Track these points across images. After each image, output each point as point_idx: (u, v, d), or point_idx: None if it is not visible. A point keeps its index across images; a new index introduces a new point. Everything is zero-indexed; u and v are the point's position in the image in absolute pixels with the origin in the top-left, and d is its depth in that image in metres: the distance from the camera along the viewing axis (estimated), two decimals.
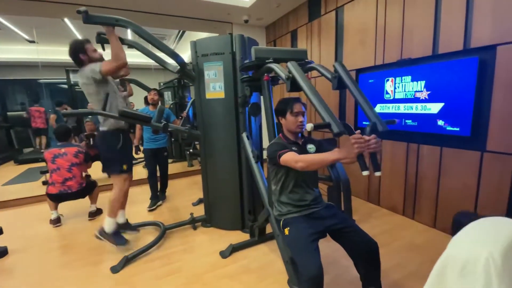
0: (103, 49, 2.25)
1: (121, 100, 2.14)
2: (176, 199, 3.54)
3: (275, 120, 1.70)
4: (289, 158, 1.31)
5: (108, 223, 2.17)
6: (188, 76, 2.34)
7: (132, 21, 1.95)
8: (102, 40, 2.17)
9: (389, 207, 2.89)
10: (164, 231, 2.45)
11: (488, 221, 0.58)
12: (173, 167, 5.29)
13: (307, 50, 1.67)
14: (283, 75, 1.33)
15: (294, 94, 2.36)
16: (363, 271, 1.42)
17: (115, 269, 2.01)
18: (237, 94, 2.29)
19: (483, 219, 0.57)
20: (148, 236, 2.49)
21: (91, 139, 4.19)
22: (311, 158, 1.24)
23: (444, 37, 2.22)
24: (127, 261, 2.07)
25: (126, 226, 2.44)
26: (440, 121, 2.27)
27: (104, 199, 3.59)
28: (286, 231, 1.40)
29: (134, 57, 5.36)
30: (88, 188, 2.97)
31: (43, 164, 2.91)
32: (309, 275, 1.15)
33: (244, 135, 2.29)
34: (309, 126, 1.15)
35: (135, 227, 2.51)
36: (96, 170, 4.28)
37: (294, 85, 1.28)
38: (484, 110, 2.03)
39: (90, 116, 4.59)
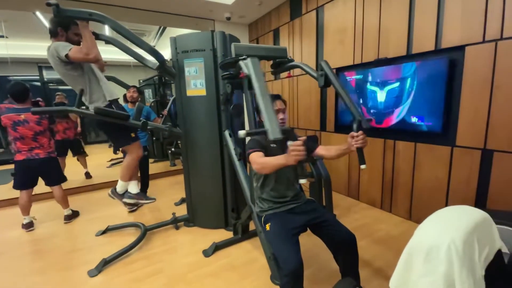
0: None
1: (110, 89, 2.08)
2: (158, 199, 3.43)
3: (257, 118, 1.71)
4: (252, 158, 1.35)
5: (120, 185, 2.22)
6: (168, 73, 2.29)
7: (107, 16, 1.87)
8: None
9: (368, 201, 2.99)
10: (144, 232, 2.40)
11: (451, 210, 0.62)
12: (155, 167, 5.17)
13: (287, 48, 1.69)
14: (246, 71, 1.33)
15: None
16: (342, 263, 1.46)
17: (92, 273, 1.94)
18: (219, 91, 2.28)
19: (447, 208, 0.61)
20: (128, 237, 2.42)
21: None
22: (265, 161, 1.28)
23: (417, 38, 2.32)
24: (105, 263, 2.00)
25: (141, 196, 2.37)
26: (414, 118, 2.37)
27: (79, 201, 3.46)
28: (267, 226, 1.41)
29: (111, 53, 5.17)
30: (57, 177, 2.80)
31: (12, 166, 2.75)
32: (289, 269, 1.17)
33: (226, 132, 2.28)
34: (241, 133, 1.13)
35: (151, 198, 2.43)
36: (72, 170, 4.11)
37: (251, 83, 1.29)
38: (454, 108, 2.15)
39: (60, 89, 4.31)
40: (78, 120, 4.15)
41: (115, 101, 2.12)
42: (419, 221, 2.48)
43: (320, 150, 1.55)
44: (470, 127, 2.06)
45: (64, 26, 1.95)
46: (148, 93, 5.59)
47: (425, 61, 2.26)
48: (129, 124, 2.02)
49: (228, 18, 4.44)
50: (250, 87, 1.36)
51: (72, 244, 2.42)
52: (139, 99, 3.24)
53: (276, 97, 1.49)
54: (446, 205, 2.26)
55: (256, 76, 1.27)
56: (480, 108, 1.99)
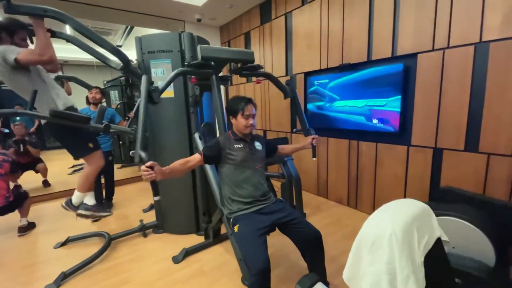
0: (31, 41, 2.00)
1: (64, 95, 1.94)
2: (124, 206, 3.30)
3: (226, 119, 1.71)
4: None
5: (76, 196, 2.05)
6: (133, 74, 2.20)
7: (64, 13, 1.76)
8: (29, 32, 1.93)
9: (336, 199, 3.12)
10: (109, 241, 2.27)
11: (394, 203, 0.68)
12: (122, 172, 4.94)
13: (253, 52, 1.72)
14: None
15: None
16: (309, 259, 1.51)
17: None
18: (188, 93, 2.24)
19: (392, 202, 0.67)
20: (91, 248, 2.27)
21: (21, 145, 3.64)
22: (173, 165, 1.48)
23: (376, 45, 2.49)
24: (64, 277, 1.87)
25: (98, 208, 2.18)
26: (375, 120, 2.54)
27: (35, 212, 3.18)
28: (236, 228, 1.41)
29: (72, 52, 4.85)
30: (17, 201, 2.58)
31: None
32: (256, 268, 1.18)
33: (196, 135, 2.25)
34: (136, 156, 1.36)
35: (108, 210, 2.25)
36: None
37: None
38: (409, 110, 2.33)
39: (18, 118, 4.00)
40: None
41: (71, 108, 1.98)
42: None
43: (279, 150, 1.80)
44: (423, 128, 2.25)
45: (9, 31, 1.77)
46: (114, 94, 5.32)
47: (383, 66, 2.43)
48: (90, 127, 1.91)
49: (199, 20, 4.40)
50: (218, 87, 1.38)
51: (28, 258, 2.22)
52: (102, 100, 3.07)
53: (247, 101, 1.51)
54: None
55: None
56: (431, 110, 2.18)
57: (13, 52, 1.66)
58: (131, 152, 1.45)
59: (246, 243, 1.30)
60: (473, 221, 1.25)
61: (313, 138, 1.89)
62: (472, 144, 2.00)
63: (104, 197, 3.15)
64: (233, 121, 1.55)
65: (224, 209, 1.58)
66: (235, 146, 1.52)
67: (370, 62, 2.57)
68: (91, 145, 2.04)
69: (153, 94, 1.45)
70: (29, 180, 4.32)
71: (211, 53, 1.48)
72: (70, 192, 3.73)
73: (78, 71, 6.89)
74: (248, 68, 1.74)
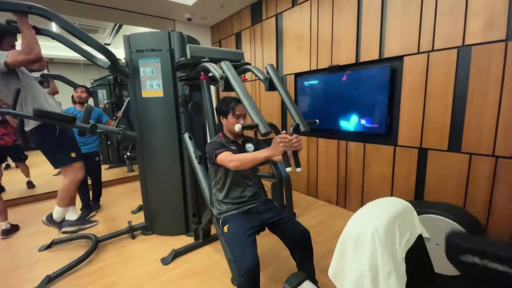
0: (15, 39, 1.94)
1: (46, 96, 1.88)
2: (112, 208, 3.24)
3: (216, 120, 1.71)
4: (224, 157, 1.34)
5: (56, 212, 1.98)
6: (121, 73, 2.17)
7: (49, 10, 1.72)
8: (13, 29, 1.87)
9: (325, 199, 3.16)
10: (96, 244, 2.22)
11: (378, 202, 0.70)
12: (110, 173, 4.84)
13: (243, 52, 1.72)
14: (217, 74, 1.34)
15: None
16: (298, 258, 1.53)
17: None
18: (178, 93, 2.22)
19: (376, 200, 0.68)
20: (77, 251, 2.21)
21: None
22: (244, 157, 1.28)
23: (364, 48, 2.54)
24: (50, 280, 1.82)
25: (82, 221, 2.12)
26: (363, 120, 2.58)
27: (19, 214, 3.08)
28: (225, 228, 1.41)
29: (58, 50, 4.72)
30: None
31: None
32: (245, 268, 1.19)
33: (186, 135, 2.23)
34: (237, 127, 1.22)
35: (93, 221, 2.18)
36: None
37: (228, 85, 1.31)
38: (395, 111, 2.39)
39: None
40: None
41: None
42: None
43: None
44: (409, 129, 2.31)
45: None
46: (102, 93, 5.21)
47: (371, 68, 2.48)
48: (76, 127, 1.87)
49: (189, 19, 4.37)
50: (227, 89, 1.36)
51: (12, 261, 2.15)
52: (88, 100, 3.00)
53: (238, 101, 1.51)
54: None
55: (234, 77, 1.29)
56: (416, 111, 2.24)
57: (1, 57, 1.62)
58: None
59: (236, 243, 1.30)
60: (455, 218, 1.30)
61: (280, 141, 1.47)
62: (455, 144, 2.07)
63: (91, 199, 3.08)
64: (223, 121, 1.54)
65: (214, 210, 1.58)
66: (231, 148, 1.51)
67: (358, 64, 2.62)
68: (73, 154, 1.98)
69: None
70: (13, 181, 4.19)
71: (201, 52, 1.47)
72: (55, 194, 3.65)
73: (65, 69, 6.71)
74: (236, 67, 1.73)
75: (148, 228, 2.50)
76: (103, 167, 5.32)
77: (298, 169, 1.21)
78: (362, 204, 2.76)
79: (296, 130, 1.28)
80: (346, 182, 2.90)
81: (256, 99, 4.01)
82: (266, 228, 1.53)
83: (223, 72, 1.32)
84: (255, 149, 1.61)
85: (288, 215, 1.53)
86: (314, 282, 1.54)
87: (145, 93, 2.19)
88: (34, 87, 1.86)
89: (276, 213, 1.51)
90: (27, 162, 4.00)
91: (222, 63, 1.36)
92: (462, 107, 2.01)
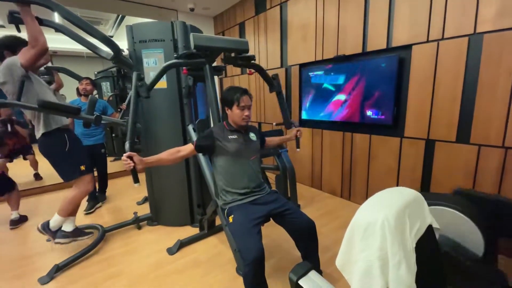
0: (18, 30, 1.93)
1: (47, 90, 1.88)
2: (118, 199, 3.27)
3: (220, 109, 1.70)
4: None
5: (54, 220, 1.95)
6: (124, 64, 2.15)
7: (52, 0, 1.70)
8: (16, 20, 1.85)
9: (330, 191, 3.15)
10: (103, 234, 2.26)
11: (387, 191, 0.68)
12: (116, 165, 4.88)
13: (248, 41, 1.69)
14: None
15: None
16: (303, 249, 1.53)
17: (43, 280, 1.78)
18: (181, 84, 2.20)
19: (385, 190, 0.67)
20: (84, 241, 2.23)
21: (9, 125, 3.45)
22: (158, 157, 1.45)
23: (371, 37, 2.48)
24: (58, 269, 1.85)
25: (77, 233, 2.07)
26: (369, 111, 2.54)
27: (27, 205, 3.13)
28: (230, 218, 1.42)
29: (61, 42, 4.70)
30: (2, 188, 2.52)
31: None
32: (250, 258, 1.19)
33: (190, 127, 2.22)
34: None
35: (87, 232, 2.16)
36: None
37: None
38: (403, 102, 2.34)
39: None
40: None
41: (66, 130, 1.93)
42: None
43: (266, 142, 1.79)
44: (416, 120, 2.27)
45: (11, 47, 1.77)
46: (106, 86, 5.21)
47: (378, 58, 2.42)
48: (80, 118, 1.87)
49: (192, 9, 4.30)
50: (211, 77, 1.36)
51: (21, 250, 2.19)
52: (94, 92, 3.00)
53: (243, 92, 1.49)
54: None
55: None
56: (424, 102, 2.20)
57: (15, 63, 1.63)
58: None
59: (241, 233, 1.31)
60: (463, 210, 1.27)
61: (297, 131, 2.00)
62: (463, 135, 2.03)
63: (97, 190, 3.11)
64: (228, 112, 1.53)
65: (219, 200, 1.58)
66: (229, 137, 1.51)
67: (365, 54, 2.56)
68: (82, 168, 1.96)
69: (139, 90, 1.43)
70: (20, 173, 4.25)
71: (205, 42, 1.44)
72: (62, 185, 3.70)
73: (68, 62, 6.71)
74: (243, 58, 1.71)
75: (154, 219, 2.53)
76: (109, 159, 5.38)
77: (298, 150, 1.28)
78: (367, 197, 2.75)
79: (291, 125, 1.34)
80: (351, 174, 2.88)
81: (260, 90, 3.97)
82: (271, 219, 1.53)
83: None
84: (257, 140, 1.61)
85: (293, 206, 1.53)
86: (319, 272, 1.54)
87: None
88: (40, 81, 1.86)
89: (282, 204, 1.50)
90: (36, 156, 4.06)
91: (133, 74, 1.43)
92: (472, 97, 1.96)
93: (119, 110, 3.63)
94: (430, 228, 0.71)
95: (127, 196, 3.35)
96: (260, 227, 1.36)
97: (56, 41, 6.28)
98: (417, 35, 2.18)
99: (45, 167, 4.12)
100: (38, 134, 1.83)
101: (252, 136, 1.57)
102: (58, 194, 3.58)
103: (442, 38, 2.05)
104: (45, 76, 3.34)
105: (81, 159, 1.98)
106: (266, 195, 1.55)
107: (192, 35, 1.44)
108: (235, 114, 1.49)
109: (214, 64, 1.85)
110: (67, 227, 1.99)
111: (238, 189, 1.49)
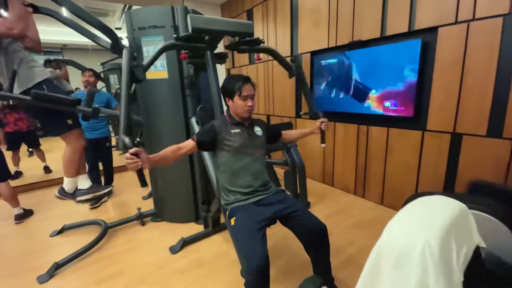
0: (6, 9, 1.85)
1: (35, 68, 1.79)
2: (124, 193, 3.23)
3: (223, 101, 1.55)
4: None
5: (67, 183, 1.96)
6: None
7: None
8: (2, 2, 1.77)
9: (342, 187, 2.98)
10: (105, 230, 2.19)
11: (423, 204, 0.52)
12: (123, 159, 4.86)
13: (252, 23, 1.52)
14: None
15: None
16: (313, 254, 1.39)
17: (42, 278, 1.73)
18: (183, 74, 2.07)
19: (419, 200, 0.52)
20: (87, 237, 2.19)
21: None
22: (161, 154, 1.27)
23: (391, 20, 2.24)
24: (57, 267, 1.80)
25: (95, 188, 2.11)
26: (387, 102, 2.33)
27: (34, 199, 3.13)
28: (232, 221, 1.29)
29: (71, 35, 4.65)
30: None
31: None
32: (253, 267, 1.06)
33: (193, 119, 2.10)
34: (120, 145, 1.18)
35: (107, 186, 2.23)
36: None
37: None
38: (426, 91, 2.12)
39: None
40: None
41: (46, 81, 1.81)
42: (391, 206, 2.51)
43: (282, 136, 1.62)
44: (441, 111, 2.05)
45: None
46: (114, 78, 5.16)
47: (398, 43, 2.20)
48: (78, 111, 1.78)
49: None
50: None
51: (22, 246, 2.17)
52: (97, 84, 2.92)
53: (245, 80, 1.34)
54: (416, 189, 2.28)
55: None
56: (451, 91, 1.97)
57: None
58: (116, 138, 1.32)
59: (243, 238, 1.18)
60: (501, 217, 1.10)
61: (322, 122, 1.69)
62: (495, 129, 1.81)
63: (103, 184, 3.07)
64: (229, 103, 1.38)
65: (221, 199, 1.45)
66: (232, 131, 1.37)
67: (384, 39, 2.33)
68: (70, 121, 1.91)
69: (135, 71, 1.29)
70: (30, 166, 4.29)
71: (204, 24, 1.29)
72: None
73: (73, 54, 6.71)
74: (247, 43, 1.54)
75: (158, 215, 2.45)
76: (117, 152, 5.38)
77: (323, 145, 1.38)
78: (383, 194, 2.56)
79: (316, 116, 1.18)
80: (365, 170, 2.69)
81: (268, 81, 3.79)
82: (277, 221, 1.40)
83: None
84: (264, 133, 1.46)
85: (302, 207, 1.38)
86: (330, 279, 1.40)
87: (149, 75, 2.05)
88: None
89: (289, 205, 1.36)
90: (43, 147, 4.07)
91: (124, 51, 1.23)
92: (506, 86, 1.73)
93: None
94: (477, 250, 0.56)
95: (133, 190, 3.30)
96: (265, 231, 1.23)
97: (66, 35, 6.28)
98: (444, 16, 1.94)
99: (54, 159, 4.16)
100: (16, 91, 1.72)
101: (258, 130, 1.42)
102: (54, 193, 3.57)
103: (473, 19, 1.81)
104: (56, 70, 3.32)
105: (66, 113, 1.90)
106: (272, 195, 1.41)
107: (190, 16, 1.29)
108: (237, 105, 1.34)
109: (217, 50, 1.70)
110: (83, 185, 2.01)
111: (241, 188, 1.36)
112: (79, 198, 1.99)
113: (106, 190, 2.11)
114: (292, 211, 1.34)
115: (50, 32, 6.76)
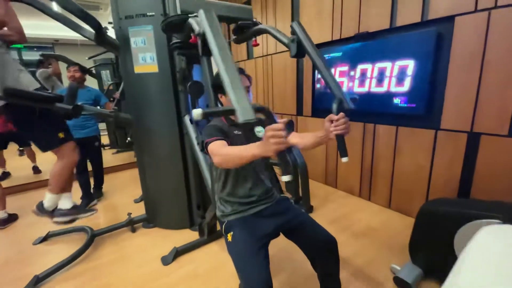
0: None
1: (25, 75, 1.61)
2: (115, 196, 3.05)
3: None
4: (214, 148, 0.99)
5: (48, 199, 1.77)
6: (109, 45, 1.85)
7: None
8: None
9: (346, 189, 2.82)
10: (92, 238, 2.02)
11: (499, 239, 0.36)
12: (118, 158, 4.69)
13: (252, 8, 1.34)
14: (197, 29, 0.98)
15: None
16: (320, 270, 1.23)
17: None
18: (175, 67, 1.88)
19: (490, 231, 0.36)
20: (74, 244, 2.01)
21: None
22: (227, 152, 0.93)
23: (402, 9, 2.06)
24: (37, 281, 1.63)
25: (76, 210, 1.90)
26: (397, 99, 2.16)
27: (22, 201, 2.95)
28: (229, 236, 1.12)
29: (63, 31, 4.42)
30: None
31: None
32: None
33: (186, 118, 1.92)
34: (197, 113, 0.71)
35: (90, 209, 2.01)
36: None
37: (206, 46, 0.94)
38: (440, 86, 1.95)
39: None
40: None
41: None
42: (399, 209, 2.35)
43: (294, 138, 1.20)
44: (456, 108, 1.88)
45: None
46: (106, 74, 4.95)
47: (410, 34, 2.02)
48: (56, 108, 1.59)
49: None
50: (206, 52, 1.00)
51: (3, 255, 1.99)
52: (83, 79, 2.72)
53: (239, 72, 1.15)
54: (428, 193, 2.12)
55: (213, 32, 0.91)
56: (468, 86, 1.80)
57: None
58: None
59: (242, 258, 1.01)
60: None
61: (334, 122, 1.00)
62: None
63: (92, 186, 2.90)
64: (222, 99, 1.20)
65: (217, 210, 1.28)
66: (235, 132, 1.18)
67: (393, 30, 2.15)
68: (61, 135, 1.72)
69: None
70: (19, 166, 4.10)
71: (194, 6, 1.11)
72: None
73: (62, 49, 6.47)
74: (245, 27, 1.35)
75: (150, 221, 2.28)
76: (110, 151, 5.19)
77: (345, 159, 0.93)
78: (390, 197, 2.40)
79: (340, 107, 0.96)
80: (371, 171, 2.53)
81: (267, 76, 3.60)
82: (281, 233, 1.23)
83: (200, 25, 0.94)
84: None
85: (308, 218, 1.21)
86: None
87: (138, 68, 1.87)
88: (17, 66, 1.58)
89: (294, 216, 1.19)
90: (34, 147, 3.88)
91: (200, 12, 0.96)
92: None
93: (111, 99, 3.36)
94: None
95: (125, 192, 3.12)
96: (266, 250, 1.06)
97: (57, 29, 6.02)
98: (461, 3, 1.76)
99: (44, 159, 3.97)
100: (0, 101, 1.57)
101: (259, 131, 1.23)
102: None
103: (495, 7, 1.64)
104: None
105: (57, 125, 1.73)
106: (275, 204, 1.23)
107: None
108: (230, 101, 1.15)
109: None
110: (64, 204, 1.81)
111: (239, 197, 1.18)
112: (56, 219, 1.79)
113: (87, 214, 1.91)
114: (298, 223, 1.17)
115: (42, 26, 6.53)
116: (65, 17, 1.83)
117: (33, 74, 1.91)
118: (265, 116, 0.76)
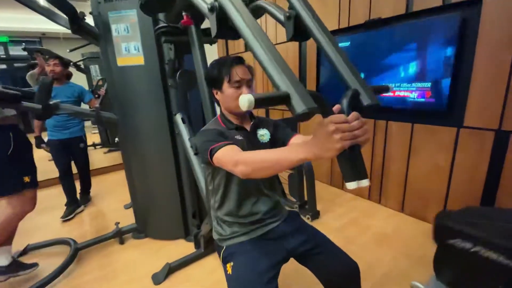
0: None
1: None
2: (104, 201, 2.82)
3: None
4: (226, 157, 0.76)
5: None
6: (87, 33, 1.61)
7: None
8: None
9: (354, 191, 2.62)
10: (75, 252, 1.81)
11: None
12: (109, 158, 4.45)
13: None
14: (205, 5, 0.75)
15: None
16: None
17: None
18: (164, 59, 1.65)
19: None
20: (56, 259, 1.79)
21: None
22: (260, 158, 0.69)
23: None
24: None
25: (15, 267, 1.59)
26: (413, 93, 1.95)
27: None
28: (229, 267, 0.91)
29: (43, 23, 4.12)
30: None
31: None
32: None
33: (178, 117, 1.70)
34: (243, 101, 0.47)
35: (30, 265, 1.67)
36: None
37: (225, 25, 0.71)
38: (463, 80, 1.74)
39: None
40: None
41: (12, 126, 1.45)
42: (413, 214, 2.16)
43: (297, 141, 0.97)
44: (483, 104, 1.67)
45: None
46: (95, 69, 4.67)
47: (429, 20, 1.80)
48: (23, 108, 1.36)
49: None
50: (223, 34, 0.75)
51: None
52: (65, 73, 2.46)
53: (237, 61, 0.93)
54: (447, 197, 1.93)
55: (237, 5, 0.67)
56: (497, 79, 1.59)
57: None
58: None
59: None
60: None
61: (335, 129, 0.58)
62: None
63: (79, 191, 2.67)
64: (218, 96, 0.97)
65: (213, 233, 1.06)
66: (236, 137, 0.95)
67: (410, 16, 1.93)
68: (27, 179, 1.48)
69: None
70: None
71: None
72: (49, 182, 3.22)
73: (56, 44, 6.16)
74: None
75: (140, 230, 2.07)
76: (102, 151, 4.94)
77: (365, 182, 0.59)
78: (403, 200, 2.21)
79: (354, 103, 0.62)
80: (383, 172, 2.33)
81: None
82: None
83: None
84: (272, 138, 1.03)
85: (324, 239, 1.01)
86: None
87: (121, 61, 1.63)
88: None
89: (307, 238, 0.98)
90: None
91: None
92: None
93: (96, 96, 3.11)
94: None
95: (115, 196, 2.89)
96: (276, 284, 0.86)
97: (44, 22, 5.71)
98: None
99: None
100: None
101: (262, 134, 1.01)
102: (44, 193, 3.17)
103: None
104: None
105: (27, 167, 1.50)
106: (283, 224, 1.02)
107: None
108: (227, 96, 0.92)
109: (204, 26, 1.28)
110: (2, 261, 1.51)
111: (241, 217, 0.97)
112: None
113: (27, 271, 1.61)
114: (313, 247, 0.96)
115: (28, 19, 6.21)
116: (39, 4, 1.59)
117: (21, 69, 1.66)
118: (317, 104, 0.51)
